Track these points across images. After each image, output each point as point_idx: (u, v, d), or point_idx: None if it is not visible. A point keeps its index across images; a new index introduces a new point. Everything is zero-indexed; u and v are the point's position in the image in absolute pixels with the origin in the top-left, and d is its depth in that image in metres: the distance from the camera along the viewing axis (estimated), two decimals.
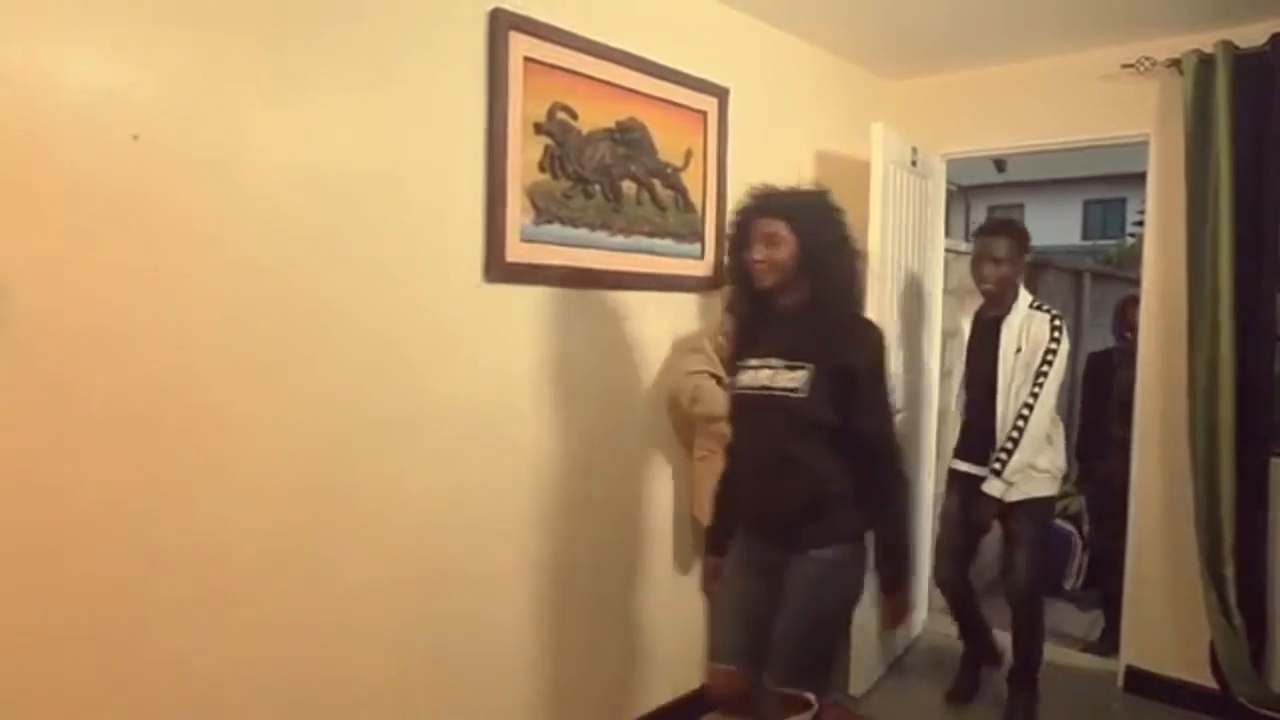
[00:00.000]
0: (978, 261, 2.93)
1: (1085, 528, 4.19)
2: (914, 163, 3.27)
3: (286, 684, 1.85)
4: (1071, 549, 4.12)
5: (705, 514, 2.44)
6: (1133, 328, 3.60)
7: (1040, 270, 5.43)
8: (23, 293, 1.47)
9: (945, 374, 3.41)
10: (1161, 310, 3.07)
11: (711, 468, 2.50)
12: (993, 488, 2.78)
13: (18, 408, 1.48)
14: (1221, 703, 2.86)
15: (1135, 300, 4.15)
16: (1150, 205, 3.14)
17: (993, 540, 3.14)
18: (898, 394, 2.85)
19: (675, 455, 2.78)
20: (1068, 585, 4.04)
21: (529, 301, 2.29)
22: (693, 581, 2.87)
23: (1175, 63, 2.92)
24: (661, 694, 2.78)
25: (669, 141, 2.65)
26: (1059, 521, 3.97)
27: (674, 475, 2.79)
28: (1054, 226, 15.98)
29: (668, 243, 2.67)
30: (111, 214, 1.57)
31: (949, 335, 3.36)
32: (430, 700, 2.13)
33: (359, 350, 1.94)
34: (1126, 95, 3.11)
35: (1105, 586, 3.86)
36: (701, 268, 2.80)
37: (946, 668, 3.34)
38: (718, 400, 2.43)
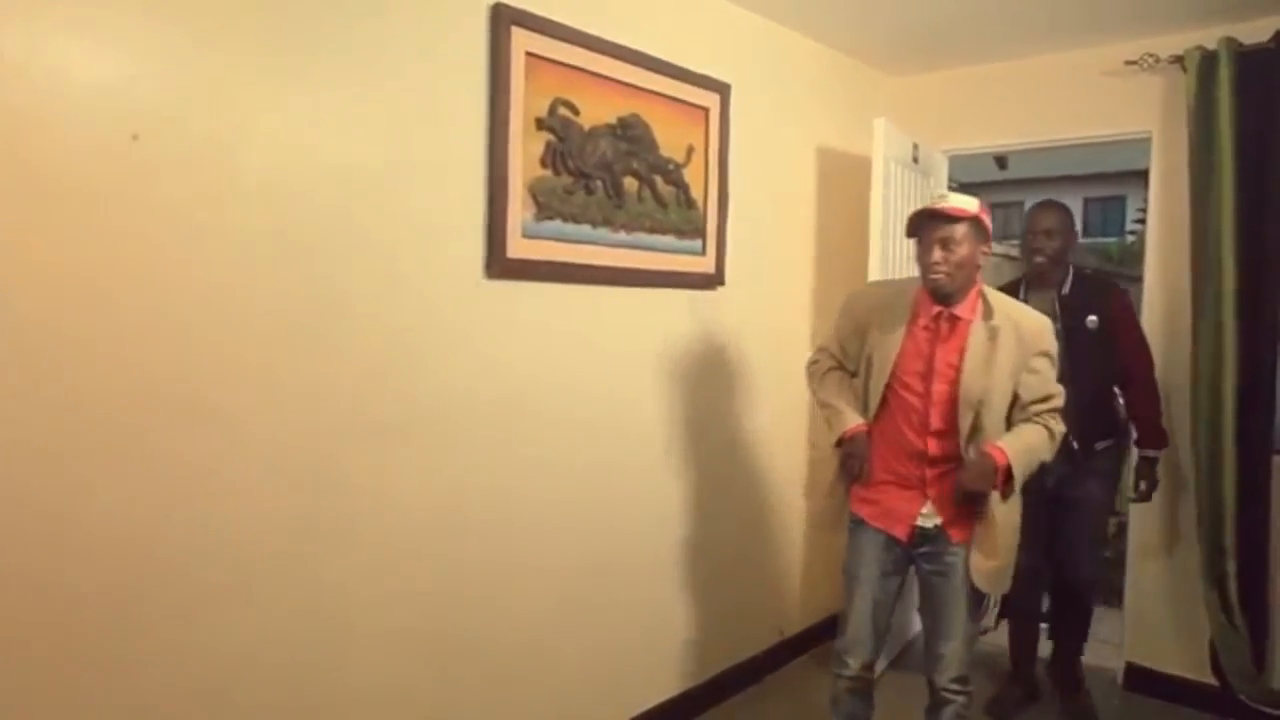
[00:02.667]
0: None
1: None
2: (915, 159, 3.27)
3: (286, 683, 1.85)
4: None
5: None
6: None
7: None
8: (22, 293, 1.46)
9: None
10: (1164, 308, 3.06)
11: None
12: None
13: (17, 408, 1.47)
14: (1222, 700, 2.87)
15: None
16: (1152, 202, 3.13)
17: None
18: None
19: (675, 453, 2.77)
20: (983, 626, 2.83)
21: (530, 298, 2.29)
22: (697, 582, 2.87)
23: (1178, 59, 2.91)
24: (654, 696, 2.79)
25: (671, 137, 2.64)
26: None
27: (673, 475, 2.78)
28: None
29: (669, 239, 2.67)
30: (111, 213, 1.56)
31: None
32: (430, 698, 2.12)
33: (360, 347, 1.94)
34: (1129, 92, 3.10)
35: (1018, 625, 3.05)
36: (703, 264, 2.79)
37: None
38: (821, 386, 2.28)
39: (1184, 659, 3.01)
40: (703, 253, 2.80)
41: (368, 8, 1.91)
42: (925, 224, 2.06)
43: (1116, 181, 14.01)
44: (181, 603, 1.67)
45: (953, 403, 2.05)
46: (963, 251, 2.01)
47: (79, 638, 1.55)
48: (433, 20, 2.03)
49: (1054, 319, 2.39)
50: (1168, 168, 3.04)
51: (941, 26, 3.07)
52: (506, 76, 2.15)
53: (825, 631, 3.34)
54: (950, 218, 2.02)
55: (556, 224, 2.32)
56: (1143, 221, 3.35)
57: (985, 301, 2.09)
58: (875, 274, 2.94)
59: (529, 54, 2.20)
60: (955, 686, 2.14)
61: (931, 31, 3.13)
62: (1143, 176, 3.19)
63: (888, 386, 2.12)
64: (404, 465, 2.03)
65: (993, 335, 2.05)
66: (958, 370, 2.04)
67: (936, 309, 2.08)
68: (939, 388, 2.06)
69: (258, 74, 1.74)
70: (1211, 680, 2.90)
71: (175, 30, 1.62)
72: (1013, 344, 2.05)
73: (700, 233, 2.78)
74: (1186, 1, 2.76)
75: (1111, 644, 3.31)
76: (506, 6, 2.14)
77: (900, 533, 2.14)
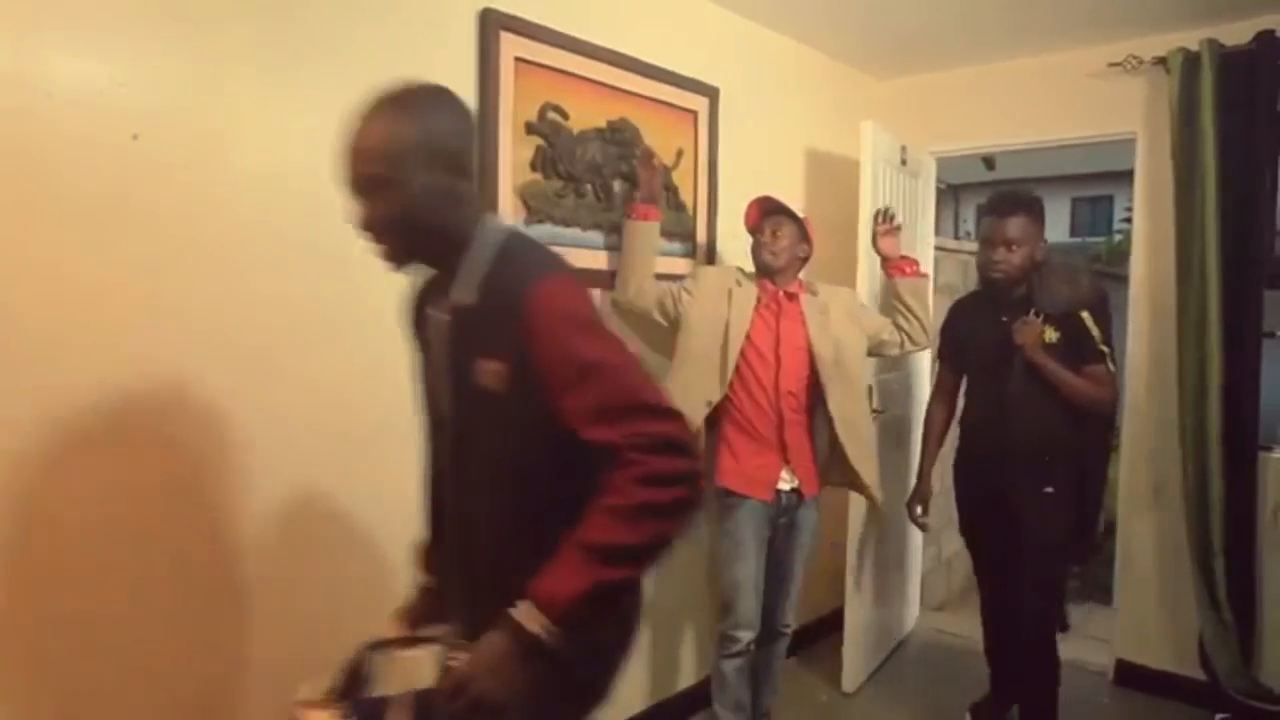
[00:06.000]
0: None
1: None
2: (904, 161, 3.29)
3: (281, 684, 1.85)
4: None
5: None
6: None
7: None
8: (21, 292, 1.47)
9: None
10: (1150, 307, 3.10)
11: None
12: None
13: (14, 407, 1.47)
14: (1210, 694, 2.89)
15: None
16: (1137, 203, 3.16)
17: None
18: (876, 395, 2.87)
19: None
20: None
21: None
22: (689, 580, 2.88)
23: (1161, 61, 2.94)
24: (664, 691, 2.79)
25: (660, 141, 2.65)
26: None
27: None
28: None
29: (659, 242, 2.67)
30: (111, 212, 1.56)
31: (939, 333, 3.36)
32: None
33: (355, 349, 1.94)
34: (1113, 93, 3.13)
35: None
36: (693, 266, 2.81)
37: (937, 665, 3.35)
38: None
39: (1173, 654, 3.04)
40: (693, 255, 2.81)
41: (358, 12, 1.92)
42: (767, 217, 2.47)
43: (1105, 181, 14.10)
44: (179, 603, 1.68)
45: (808, 364, 2.41)
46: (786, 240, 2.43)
47: (75, 639, 1.55)
48: (422, 25, 2.04)
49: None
50: (1152, 168, 3.07)
51: (927, 30, 3.09)
52: (496, 81, 2.16)
53: (819, 631, 3.36)
54: (785, 210, 2.44)
55: (547, 227, 2.33)
56: (1129, 221, 3.38)
57: (808, 284, 2.53)
58: (864, 276, 2.95)
59: (518, 59, 2.22)
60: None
61: (917, 35, 3.15)
62: (1130, 176, 3.22)
63: (740, 356, 2.39)
64: (401, 466, 2.04)
65: (823, 309, 2.47)
66: (806, 336, 2.42)
67: (774, 289, 2.45)
68: (790, 354, 2.40)
69: (252, 77, 1.75)
70: (1200, 675, 2.93)
71: (175, 33, 1.63)
72: (840, 311, 2.50)
73: (690, 235, 2.80)
74: (1169, 3, 2.79)
75: (1101, 640, 3.33)
76: (495, 12, 2.15)
77: (766, 496, 2.38)
